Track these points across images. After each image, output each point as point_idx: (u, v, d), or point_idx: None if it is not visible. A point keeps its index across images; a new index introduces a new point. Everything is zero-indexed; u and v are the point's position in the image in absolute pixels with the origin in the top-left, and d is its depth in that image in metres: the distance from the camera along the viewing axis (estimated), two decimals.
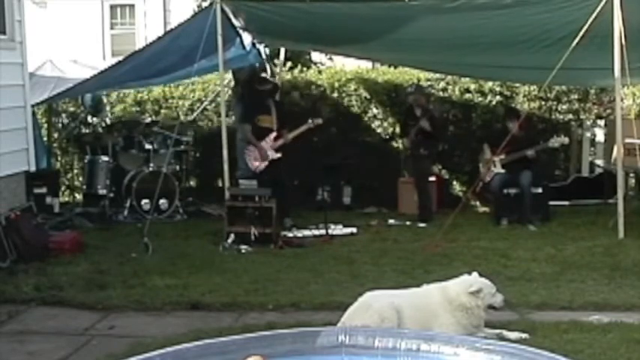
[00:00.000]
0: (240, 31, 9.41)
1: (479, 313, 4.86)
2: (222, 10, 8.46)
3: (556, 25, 7.66)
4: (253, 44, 9.90)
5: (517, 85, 10.63)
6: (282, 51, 10.78)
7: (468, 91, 10.63)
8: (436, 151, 9.91)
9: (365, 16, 8.31)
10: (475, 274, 5.01)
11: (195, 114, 8.70)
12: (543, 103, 10.58)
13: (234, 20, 9.00)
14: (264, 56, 10.19)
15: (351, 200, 10.33)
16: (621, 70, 7.50)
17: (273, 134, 9.04)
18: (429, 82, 10.54)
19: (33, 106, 9.13)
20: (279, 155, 8.99)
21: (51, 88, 9.74)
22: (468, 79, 10.68)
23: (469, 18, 7.92)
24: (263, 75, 9.94)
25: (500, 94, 10.63)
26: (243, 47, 9.79)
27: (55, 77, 10.15)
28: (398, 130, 10.49)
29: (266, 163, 8.96)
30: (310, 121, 9.13)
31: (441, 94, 10.62)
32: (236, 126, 9.60)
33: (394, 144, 10.47)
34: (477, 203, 9.78)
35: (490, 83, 10.65)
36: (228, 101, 9.79)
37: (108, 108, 10.98)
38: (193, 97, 10.95)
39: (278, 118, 9.09)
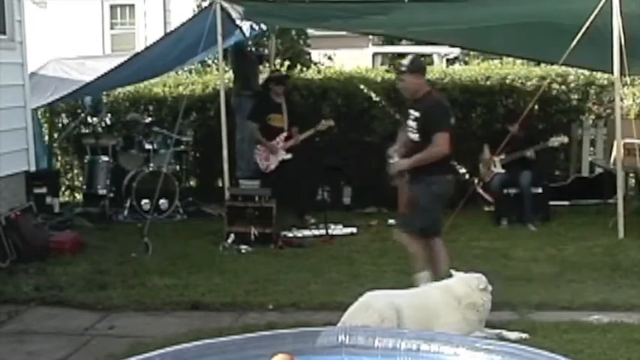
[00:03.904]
0: (239, 22, 9.44)
1: (489, 306, 4.89)
2: (222, 9, 8.49)
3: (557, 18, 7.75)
4: (252, 27, 9.94)
5: (517, 85, 10.63)
6: (273, 45, 10.78)
7: (468, 90, 10.63)
8: None
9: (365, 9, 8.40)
10: (460, 273, 5.04)
11: (178, 123, 8.74)
12: (543, 102, 10.57)
13: (233, 14, 9.03)
14: (264, 28, 10.23)
15: (351, 200, 10.32)
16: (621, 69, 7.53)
17: (284, 134, 9.02)
18: (428, 82, 10.51)
19: (35, 109, 9.14)
20: (289, 156, 8.97)
21: (52, 90, 9.74)
22: (468, 78, 10.70)
23: (468, 13, 8.01)
24: (279, 73, 9.99)
25: (501, 93, 10.63)
26: (244, 35, 9.84)
27: (57, 78, 10.15)
28: (398, 129, 10.49)
29: (276, 163, 8.95)
30: (323, 122, 9.13)
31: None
32: (239, 124, 9.61)
33: (394, 144, 10.44)
34: (488, 197, 9.62)
35: (489, 83, 10.65)
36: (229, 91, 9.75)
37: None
38: (193, 97, 10.93)
39: (288, 118, 9.07)
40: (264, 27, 10.43)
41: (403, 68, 5.83)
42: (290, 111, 9.29)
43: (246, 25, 9.76)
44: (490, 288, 4.96)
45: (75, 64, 10.77)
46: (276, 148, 8.98)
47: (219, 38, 8.43)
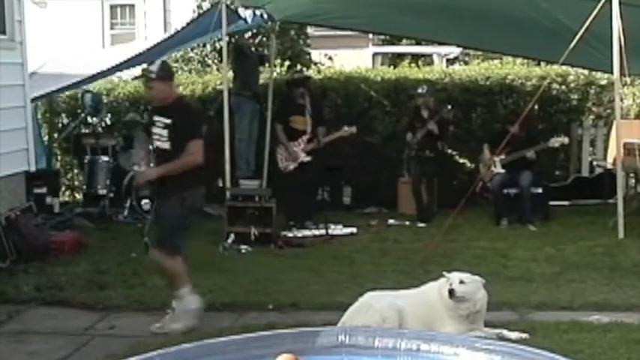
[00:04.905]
0: (242, 12, 9.46)
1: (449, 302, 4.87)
2: (227, 6, 8.54)
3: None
4: (254, 14, 9.98)
5: (517, 85, 10.64)
6: (274, 45, 10.78)
7: (468, 90, 10.63)
8: (440, 153, 9.85)
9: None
10: (454, 273, 5.04)
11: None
12: (543, 102, 10.58)
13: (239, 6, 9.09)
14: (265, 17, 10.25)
15: (351, 200, 10.32)
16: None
17: (306, 136, 8.99)
18: (429, 82, 10.52)
19: (33, 100, 9.09)
20: (309, 159, 8.93)
21: (52, 86, 9.73)
22: (468, 78, 10.70)
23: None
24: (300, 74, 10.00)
25: (501, 93, 10.63)
26: (246, 22, 9.89)
27: (57, 74, 10.14)
28: (397, 129, 10.49)
29: (296, 164, 8.93)
30: (345, 128, 9.12)
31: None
32: (237, 124, 9.60)
33: (394, 144, 10.45)
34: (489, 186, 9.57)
35: (489, 83, 10.66)
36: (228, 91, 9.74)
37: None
38: (193, 97, 10.93)
39: (313, 119, 9.05)
40: (265, 15, 10.44)
41: (152, 75, 5.52)
42: (316, 111, 9.21)
43: (249, 12, 9.76)
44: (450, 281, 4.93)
45: (72, 59, 10.77)
46: (295, 154, 8.92)
47: (224, 39, 8.46)
